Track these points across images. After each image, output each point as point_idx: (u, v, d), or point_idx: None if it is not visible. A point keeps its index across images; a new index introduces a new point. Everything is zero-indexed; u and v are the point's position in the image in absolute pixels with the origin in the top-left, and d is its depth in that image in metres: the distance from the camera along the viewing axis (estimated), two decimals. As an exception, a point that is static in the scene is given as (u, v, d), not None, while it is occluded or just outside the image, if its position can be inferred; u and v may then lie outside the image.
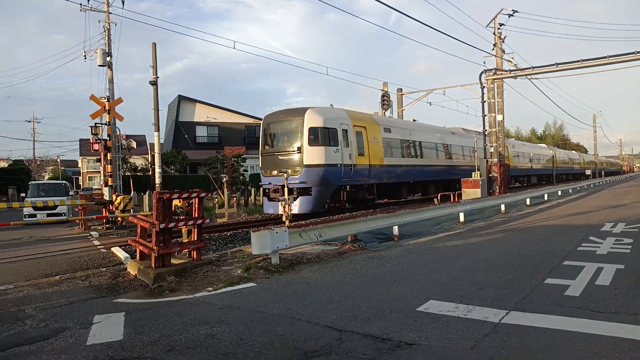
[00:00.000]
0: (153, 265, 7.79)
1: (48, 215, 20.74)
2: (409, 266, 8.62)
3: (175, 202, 9.89)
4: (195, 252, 8.51)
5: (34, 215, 20.51)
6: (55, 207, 20.34)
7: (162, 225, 7.66)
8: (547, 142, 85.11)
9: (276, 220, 17.24)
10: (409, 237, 12.88)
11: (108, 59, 28.66)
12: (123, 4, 31.80)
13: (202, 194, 8.47)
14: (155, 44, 21.65)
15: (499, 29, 29.08)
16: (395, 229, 12.06)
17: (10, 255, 11.53)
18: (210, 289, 7.20)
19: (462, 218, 15.65)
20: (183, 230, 9.68)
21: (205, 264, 8.52)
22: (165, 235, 7.86)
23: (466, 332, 4.75)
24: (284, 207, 12.87)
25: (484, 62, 33.45)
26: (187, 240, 8.84)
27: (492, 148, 26.85)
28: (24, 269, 8.93)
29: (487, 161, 26.71)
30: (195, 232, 8.52)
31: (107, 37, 30.93)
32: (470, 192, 23.49)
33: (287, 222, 13.27)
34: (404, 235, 12.76)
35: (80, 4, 30.54)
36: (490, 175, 26.43)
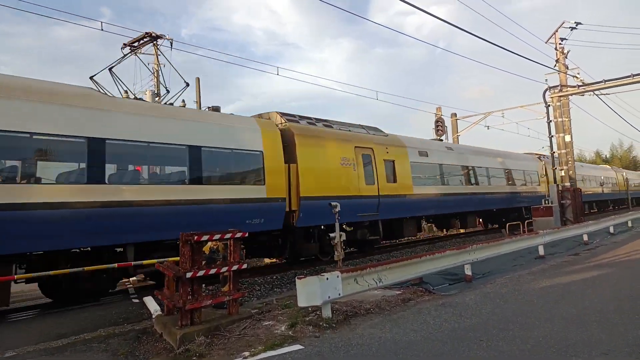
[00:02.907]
0: (180, 322, 6.46)
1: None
2: (495, 318, 6.85)
3: (211, 244, 8.68)
4: (231, 304, 7.13)
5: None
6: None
7: (189, 274, 6.36)
8: (614, 164, 79.40)
9: (328, 260, 15.69)
10: (482, 276, 10.99)
11: (157, 99, 28.89)
12: (172, 46, 32.35)
13: (238, 234, 7.15)
14: (198, 78, 21.33)
15: (560, 44, 26.91)
16: (468, 268, 10.24)
17: (37, 303, 10.65)
18: (247, 353, 5.77)
19: (541, 251, 13.53)
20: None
21: (244, 319, 7.12)
22: (194, 286, 6.55)
23: None
24: (336, 246, 11.38)
25: (546, 80, 31.18)
26: (226, 288, 7.52)
27: (563, 171, 24.32)
28: (42, 326, 7.86)
29: (557, 186, 24.17)
30: (231, 280, 7.17)
31: (156, 78, 31.41)
32: (543, 221, 21.09)
33: (339, 263, 11.77)
34: (477, 275, 10.89)
35: (128, 46, 31.32)
36: (563, 201, 23.84)
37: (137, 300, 9.65)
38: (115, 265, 8.45)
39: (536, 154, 31.21)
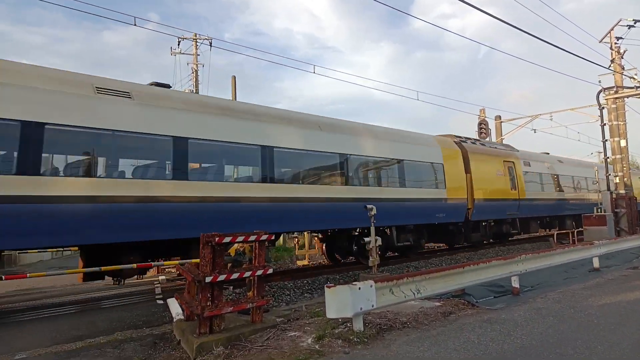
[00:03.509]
0: (198, 330, 5.96)
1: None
2: (549, 340, 6.01)
3: (237, 245, 8.20)
4: (254, 312, 6.59)
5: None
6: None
7: (208, 279, 5.85)
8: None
9: (364, 264, 14.89)
10: (531, 289, 10.07)
11: (194, 99, 29.04)
12: (211, 46, 32.53)
13: (264, 236, 6.60)
14: (234, 77, 20.94)
15: (616, 43, 25.29)
16: (515, 280, 9.36)
17: (57, 302, 10.39)
18: (268, 369, 5.20)
19: (596, 264, 12.41)
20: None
21: (268, 328, 6.56)
22: (214, 292, 6.05)
23: None
24: (370, 251, 10.71)
25: (599, 81, 29.65)
26: (251, 294, 6.97)
27: (617, 178, 22.75)
28: (58, 326, 7.56)
29: (610, 193, 22.62)
30: (255, 286, 6.63)
31: (194, 78, 31.57)
32: (595, 231, 19.68)
33: (374, 269, 11.10)
34: (525, 287, 9.98)
35: (171, 48, 31.66)
36: (617, 210, 22.26)
37: (161, 302, 9.26)
38: (134, 265, 8.07)
39: (455, 137, 19.52)
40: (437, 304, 8.34)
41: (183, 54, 31.38)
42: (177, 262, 7.92)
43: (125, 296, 10.17)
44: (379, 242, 11.48)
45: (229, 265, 7.78)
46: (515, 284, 9.39)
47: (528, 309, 7.92)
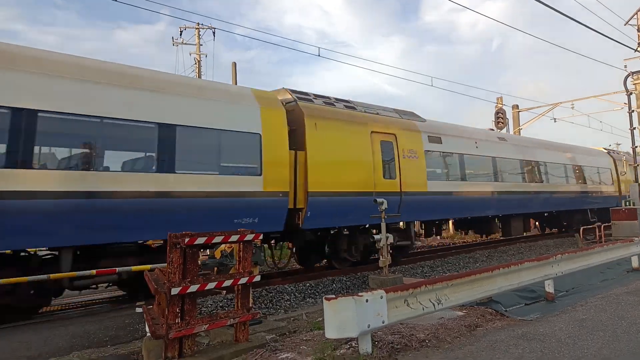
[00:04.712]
0: (164, 354, 4.77)
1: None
2: (609, 366, 4.74)
3: (225, 246, 6.98)
4: (238, 329, 5.38)
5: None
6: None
7: (176, 290, 4.64)
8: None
9: (374, 265, 13.51)
10: (566, 294, 8.76)
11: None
12: (214, 35, 31.42)
13: (249, 236, 5.38)
14: (235, 63, 19.69)
15: (643, 24, 23.68)
16: (549, 284, 8.06)
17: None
18: (247, 409, 3.99)
19: (635, 263, 11.04)
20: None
21: (254, 348, 5.35)
22: (186, 305, 4.84)
23: None
24: (381, 251, 9.46)
25: (625, 66, 27.92)
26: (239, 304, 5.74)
27: (645, 168, 21.28)
28: (8, 343, 6.40)
29: (638, 185, 21.15)
30: (239, 297, 5.42)
31: (197, 68, 30.41)
32: (624, 226, 18.20)
33: (385, 270, 9.86)
34: (560, 292, 8.67)
35: (172, 38, 30.54)
36: (645, 202, 20.76)
37: (140, 310, 8.06)
38: (93, 272, 6.90)
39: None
40: (460, 313, 7.09)
41: (186, 44, 30.22)
42: (148, 267, 6.73)
43: (103, 302, 9.02)
44: (390, 239, 10.25)
45: (215, 269, 6.57)
46: (550, 288, 8.09)
47: (569, 320, 6.63)
